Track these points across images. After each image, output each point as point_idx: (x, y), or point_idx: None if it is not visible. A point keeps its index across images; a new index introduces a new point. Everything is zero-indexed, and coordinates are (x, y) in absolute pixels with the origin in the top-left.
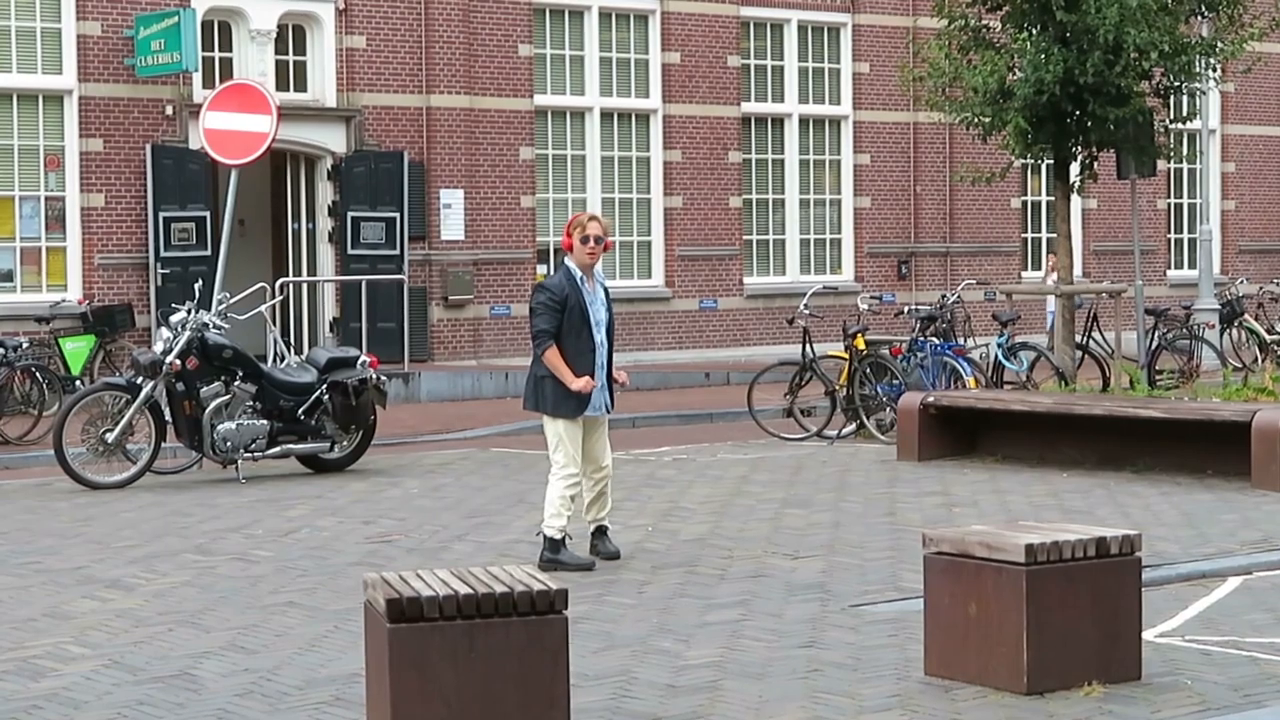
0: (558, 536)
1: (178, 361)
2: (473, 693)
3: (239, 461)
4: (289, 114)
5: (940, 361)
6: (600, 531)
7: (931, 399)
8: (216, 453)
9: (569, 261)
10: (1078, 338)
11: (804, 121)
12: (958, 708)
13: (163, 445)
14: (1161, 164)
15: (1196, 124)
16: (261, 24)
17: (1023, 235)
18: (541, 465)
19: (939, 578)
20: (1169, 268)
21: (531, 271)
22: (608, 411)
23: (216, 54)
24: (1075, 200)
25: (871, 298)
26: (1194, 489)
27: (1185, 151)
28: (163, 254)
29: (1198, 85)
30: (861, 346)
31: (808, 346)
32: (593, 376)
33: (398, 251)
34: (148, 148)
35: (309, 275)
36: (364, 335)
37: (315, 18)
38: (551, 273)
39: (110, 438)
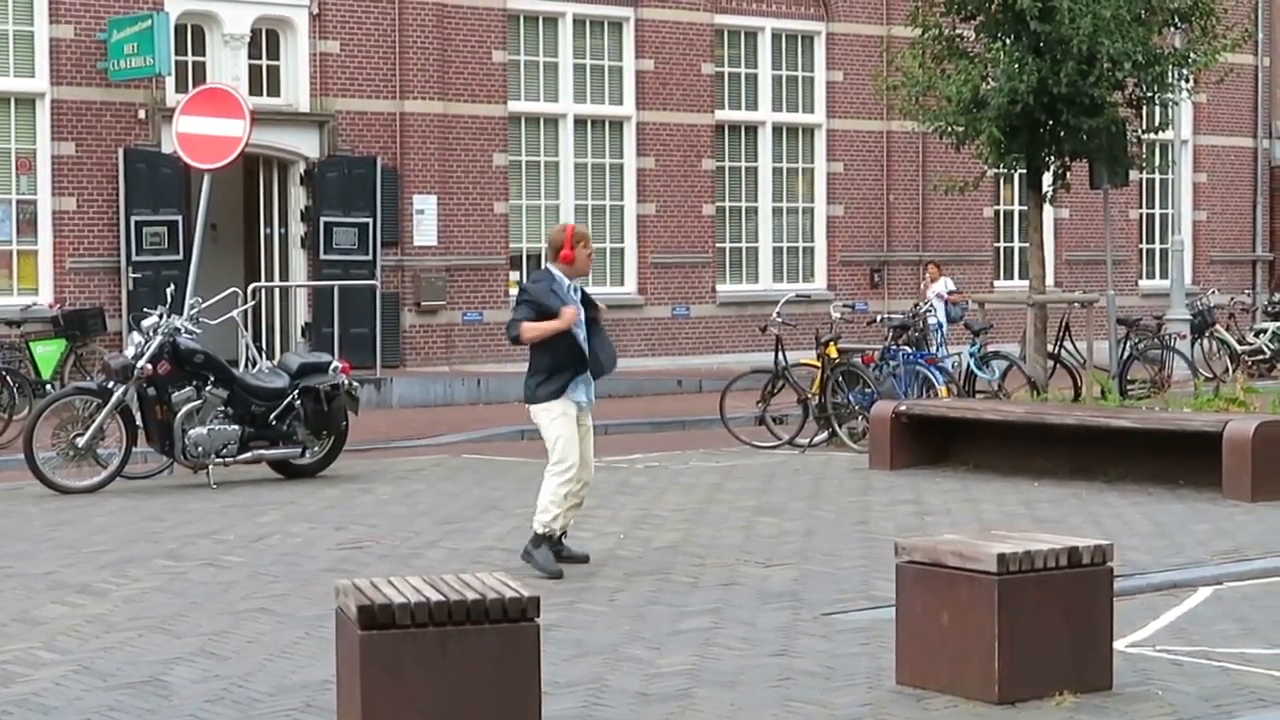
0: (543, 531)
1: (149, 366)
2: (444, 700)
3: (210, 466)
4: (262, 119)
5: (913, 370)
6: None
7: (904, 407)
8: (188, 458)
9: (553, 268)
10: (1050, 347)
11: (778, 129)
12: (929, 717)
13: (134, 450)
14: (1134, 174)
15: (1169, 134)
16: (235, 28)
17: (995, 244)
18: (515, 472)
19: (911, 586)
20: (1141, 277)
21: (504, 278)
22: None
23: (190, 58)
24: (1048, 210)
25: (844, 306)
26: (1165, 499)
27: (1158, 162)
28: (135, 258)
29: (1170, 96)
30: (834, 355)
31: (780, 354)
32: (576, 375)
33: (370, 257)
34: (120, 151)
35: (281, 280)
36: (336, 341)
37: (289, 22)
38: (524, 278)
39: (81, 442)
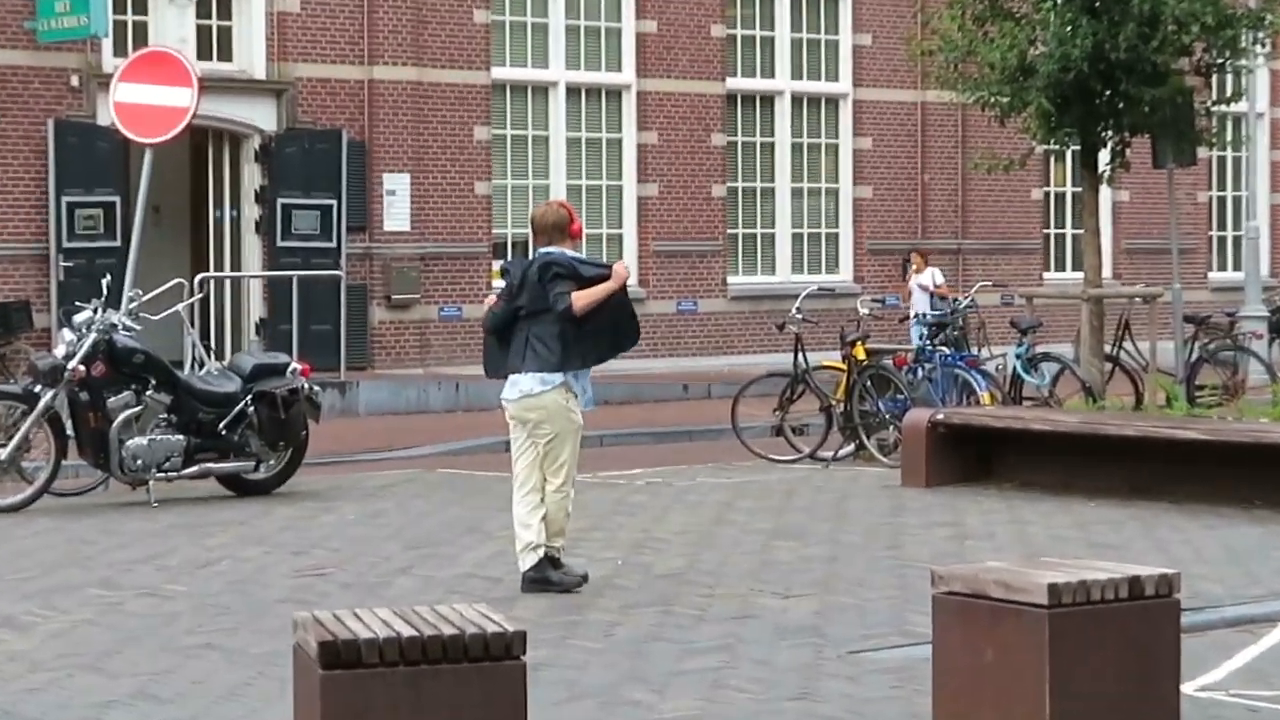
0: (559, 552)
1: (82, 367)
2: None
3: (151, 482)
4: (212, 87)
5: (951, 374)
6: (556, 559)
7: (941, 416)
8: (125, 472)
9: (568, 250)
10: (1107, 348)
11: (797, 100)
12: None
13: (64, 463)
14: (1202, 151)
15: (1242, 106)
16: None
17: (1045, 231)
18: (498, 489)
19: (950, 621)
20: (1211, 269)
21: (486, 267)
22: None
23: (130, 17)
24: (1105, 192)
25: (873, 301)
26: (1239, 521)
27: (1229, 137)
28: (65, 245)
29: (1244, 62)
30: (861, 356)
31: (800, 356)
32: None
33: (334, 244)
34: (50, 123)
35: (233, 270)
36: (295, 339)
37: None
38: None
39: (3, 454)
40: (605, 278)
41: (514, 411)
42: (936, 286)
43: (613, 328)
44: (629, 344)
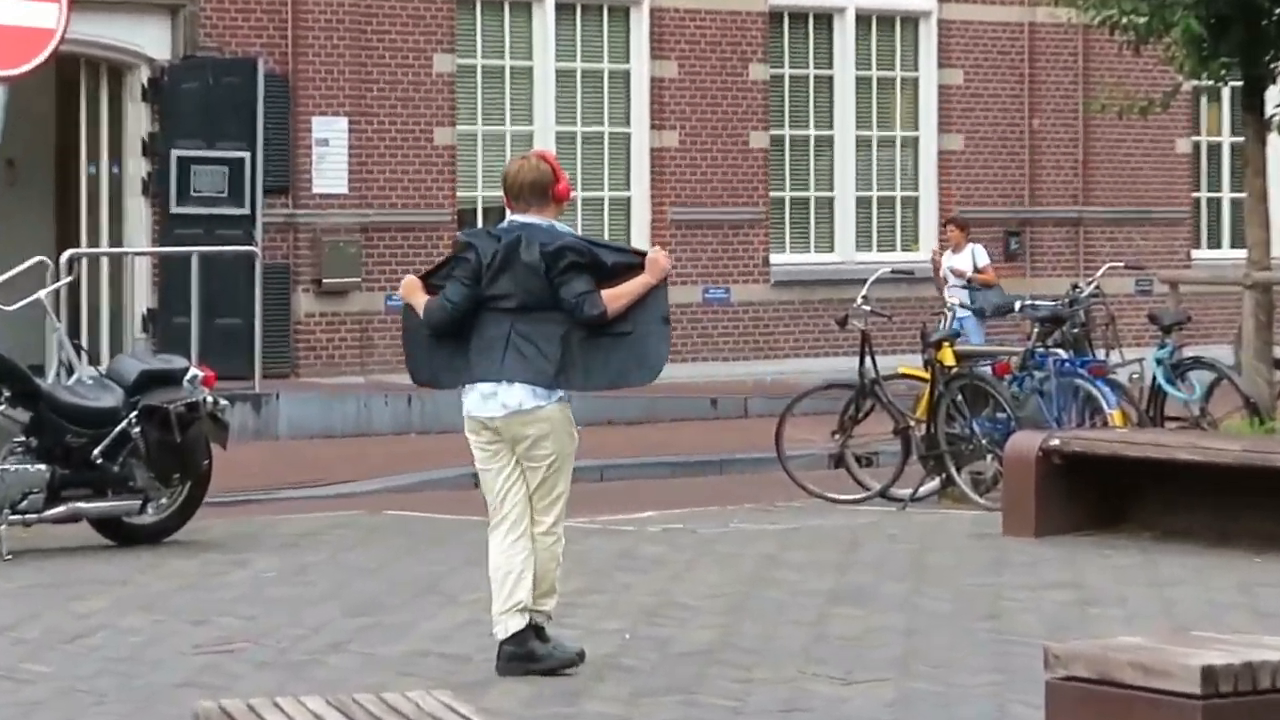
0: (546, 620)
1: None
2: None
3: (3, 527)
4: (85, 2)
5: (1069, 386)
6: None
7: (1056, 443)
8: None
9: (539, 219)
10: (1278, 350)
11: (863, 20)
12: None
13: None
14: None
15: None
16: None
17: (1194, 195)
18: (463, 536)
19: (1070, 714)
20: None
21: (450, 242)
22: None
23: None
24: (1274, 142)
25: (964, 287)
26: None
27: None
28: None
29: None
30: (950, 361)
31: (868, 361)
32: None
33: (247, 210)
34: None
35: (112, 245)
36: (195, 336)
37: None
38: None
39: None
40: (632, 267)
41: (499, 428)
42: (978, 271)
43: (636, 342)
44: (650, 374)
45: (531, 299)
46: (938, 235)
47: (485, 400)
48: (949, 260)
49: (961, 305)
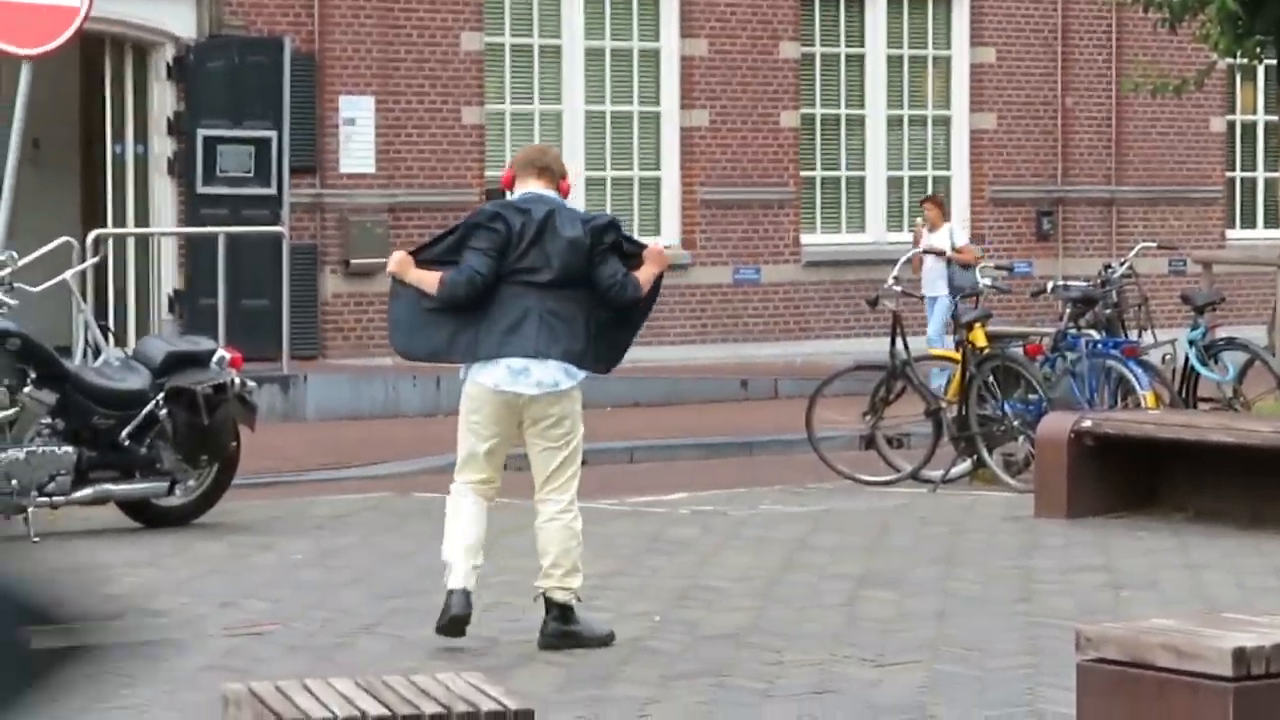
0: (575, 601)
1: None
2: None
3: (29, 509)
4: None
5: (1101, 367)
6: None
7: (1088, 424)
8: None
9: (546, 193)
10: None
11: None
12: None
13: None
14: None
15: None
16: None
17: (1228, 174)
18: (492, 518)
19: (1101, 697)
20: None
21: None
22: None
23: None
24: None
25: (997, 268)
26: None
27: None
28: None
29: None
30: (981, 343)
31: (899, 342)
32: None
33: (273, 190)
34: None
35: (138, 225)
36: (222, 318)
37: None
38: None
39: None
40: (633, 255)
41: (522, 405)
42: (957, 251)
43: (631, 328)
44: (619, 360)
45: (565, 274)
46: (962, 218)
47: (515, 376)
48: (927, 239)
49: (929, 291)
